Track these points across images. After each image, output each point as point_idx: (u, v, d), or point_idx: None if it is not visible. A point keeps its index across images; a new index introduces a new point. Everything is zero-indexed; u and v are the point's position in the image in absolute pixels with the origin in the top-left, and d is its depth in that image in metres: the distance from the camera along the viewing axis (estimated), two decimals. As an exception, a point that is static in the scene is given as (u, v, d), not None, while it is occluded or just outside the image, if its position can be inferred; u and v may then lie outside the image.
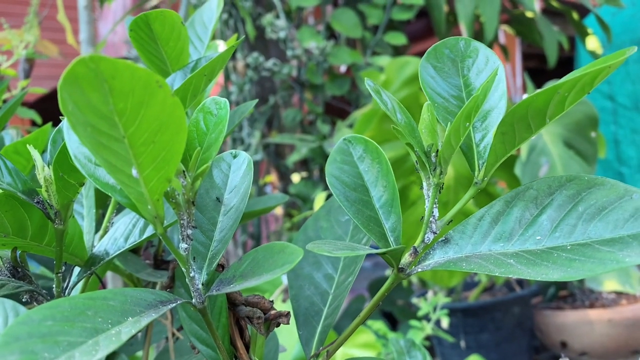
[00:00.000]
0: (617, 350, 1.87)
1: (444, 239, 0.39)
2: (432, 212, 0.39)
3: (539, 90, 0.32)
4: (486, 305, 1.88)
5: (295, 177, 2.57)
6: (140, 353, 0.78)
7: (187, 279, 0.34)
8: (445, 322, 1.48)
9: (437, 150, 0.37)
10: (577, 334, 1.90)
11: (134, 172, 0.27)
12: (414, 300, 1.69)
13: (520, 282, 2.09)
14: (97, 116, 0.24)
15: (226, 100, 0.35)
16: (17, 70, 1.64)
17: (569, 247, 0.34)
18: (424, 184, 0.39)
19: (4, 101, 1.04)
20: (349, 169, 0.44)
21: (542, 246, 0.35)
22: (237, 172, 0.40)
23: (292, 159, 2.22)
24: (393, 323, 2.18)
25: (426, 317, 1.66)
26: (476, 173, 0.39)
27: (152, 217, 0.29)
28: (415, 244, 0.39)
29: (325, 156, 2.24)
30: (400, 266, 0.40)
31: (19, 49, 1.41)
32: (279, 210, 2.56)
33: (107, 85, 0.23)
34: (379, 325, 1.55)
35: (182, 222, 0.32)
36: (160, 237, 0.30)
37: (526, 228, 0.36)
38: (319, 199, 1.48)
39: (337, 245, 0.36)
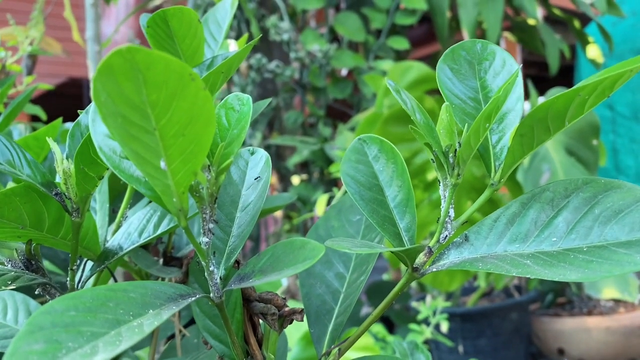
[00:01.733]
0: (614, 358, 1.88)
1: (458, 239, 0.40)
2: (448, 213, 0.39)
3: (559, 93, 0.32)
4: (484, 311, 1.88)
5: (295, 180, 2.57)
6: (139, 352, 0.78)
7: (206, 273, 0.34)
8: (444, 326, 1.49)
9: (455, 151, 0.37)
10: (574, 341, 1.90)
11: (162, 164, 0.27)
12: (414, 303, 1.70)
13: (519, 289, 2.10)
14: (130, 107, 0.25)
15: (249, 96, 0.35)
16: (20, 67, 1.64)
17: (585, 249, 0.34)
18: (441, 184, 0.39)
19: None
20: (363, 168, 0.44)
21: (558, 247, 0.35)
22: (254, 168, 0.40)
23: (293, 160, 2.22)
24: (389, 327, 2.18)
25: (425, 321, 1.66)
26: (492, 174, 0.39)
27: (177, 210, 0.29)
28: (430, 244, 0.40)
29: (326, 159, 2.24)
30: (414, 266, 0.40)
31: (24, 45, 1.41)
32: (278, 212, 2.56)
33: (141, 76, 0.23)
34: (378, 328, 1.55)
35: (204, 215, 0.32)
36: (183, 230, 0.31)
37: (542, 229, 0.37)
38: (321, 200, 1.49)
39: (355, 243, 0.36)
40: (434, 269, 0.39)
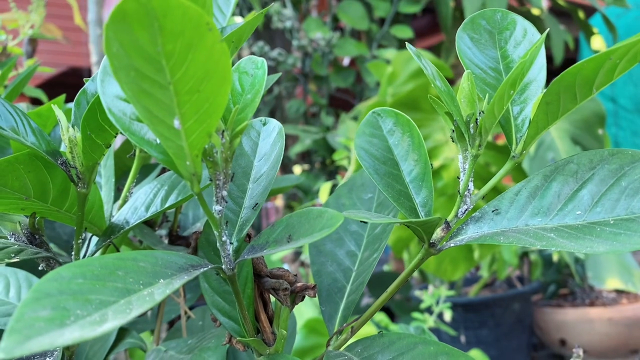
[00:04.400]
0: (616, 349, 1.87)
1: (477, 214, 0.38)
2: (468, 186, 0.38)
3: (589, 57, 0.31)
4: (487, 301, 1.87)
5: (297, 169, 2.55)
6: (142, 335, 0.77)
7: (218, 244, 0.33)
8: (448, 315, 1.48)
9: (477, 120, 0.36)
10: (576, 332, 1.89)
11: (176, 123, 0.25)
12: (417, 292, 1.69)
13: (521, 279, 2.09)
14: (143, 58, 0.23)
15: (263, 59, 0.34)
16: (21, 51, 1.62)
17: (611, 222, 0.33)
18: (460, 156, 0.38)
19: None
20: (378, 142, 0.43)
21: (583, 221, 0.34)
22: (267, 139, 0.39)
23: (295, 150, 2.21)
24: (390, 318, 2.17)
25: (428, 310, 1.65)
26: (513, 147, 0.38)
27: (190, 175, 0.28)
28: (448, 219, 0.38)
29: (328, 148, 2.23)
30: (431, 241, 0.38)
31: (24, 29, 1.39)
32: (279, 202, 2.55)
33: (157, 23, 0.22)
34: (381, 316, 1.54)
35: (217, 182, 0.30)
36: (196, 197, 0.29)
37: (565, 203, 0.35)
38: (324, 188, 1.47)
39: (372, 215, 0.35)
40: (452, 244, 0.38)
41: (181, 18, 0.22)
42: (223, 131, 0.30)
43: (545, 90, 0.33)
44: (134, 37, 0.22)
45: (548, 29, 0.35)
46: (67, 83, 4.35)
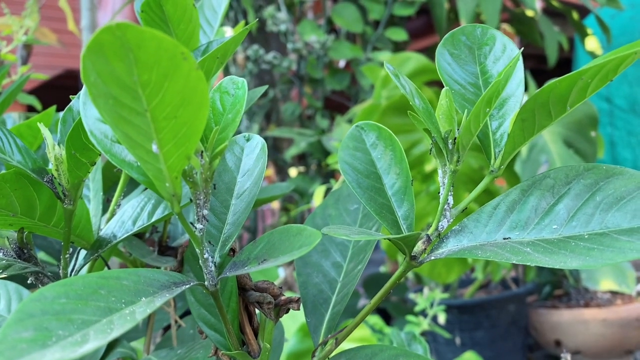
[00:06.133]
0: (611, 350, 1.88)
1: (457, 227, 0.39)
2: (447, 200, 0.38)
3: (562, 77, 0.32)
4: (482, 303, 1.88)
5: (293, 172, 2.56)
6: (134, 343, 0.78)
7: (200, 261, 0.33)
8: (442, 318, 1.48)
9: (455, 137, 0.36)
10: (571, 333, 1.90)
11: (154, 147, 0.26)
12: (411, 295, 1.69)
13: (516, 281, 2.10)
14: (120, 88, 0.24)
15: (244, 79, 0.34)
16: (16, 57, 1.62)
17: (586, 237, 0.34)
18: (440, 171, 0.38)
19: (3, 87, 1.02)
20: (361, 155, 0.44)
21: (559, 235, 0.35)
22: (250, 155, 0.39)
23: (291, 152, 2.21)
24: (386, 320, 2.18)
25: (422, 313, 1.65)
26: (492, 161, 0.39)
27: (170, 196, 0.29)
28: (429, 232, 0.39)
29: (323, 151, 2.23)
30: (412, 254, 0.39)
31: (19, 35, 1.40)
32: (275, 204, 2.56)
33: (132, 55, 0.23)
34: (375, 319, 1.54)
35: (198, 202, 0.31)
36: (177, 216, 0.30)
37: (542, 217, 0.36)
38: (318, 192, 1.48)
39: (353, 230, 0.36)
40: (432, 257, 0.39)
41: (156, 49, 0.23)
42: (202, 152, 0.30)
43: (520, 108, 0.34)
44: (110, 68, 0.23)
45: (522, 48, 0.36)
46: (63, 85, 4.35)
